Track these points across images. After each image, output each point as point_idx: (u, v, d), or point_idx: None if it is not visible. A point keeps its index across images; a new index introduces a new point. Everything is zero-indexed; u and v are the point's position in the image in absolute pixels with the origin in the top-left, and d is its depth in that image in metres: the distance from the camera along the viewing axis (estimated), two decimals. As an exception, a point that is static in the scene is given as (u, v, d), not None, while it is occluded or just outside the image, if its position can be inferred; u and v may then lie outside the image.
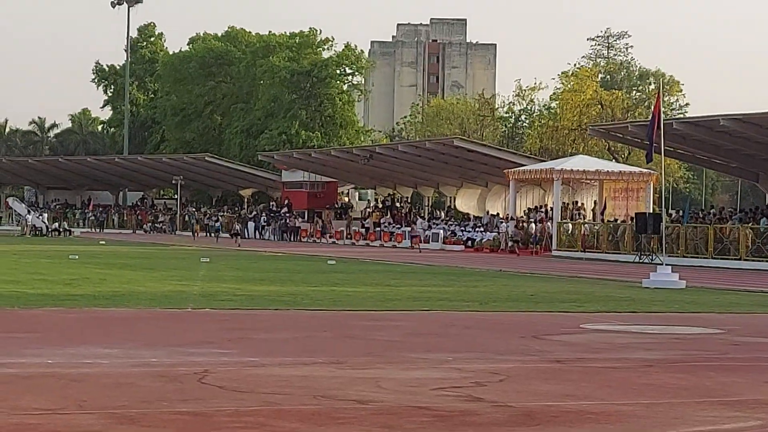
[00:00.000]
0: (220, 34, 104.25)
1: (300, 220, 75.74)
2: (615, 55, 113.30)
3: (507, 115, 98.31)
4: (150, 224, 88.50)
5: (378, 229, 68.90)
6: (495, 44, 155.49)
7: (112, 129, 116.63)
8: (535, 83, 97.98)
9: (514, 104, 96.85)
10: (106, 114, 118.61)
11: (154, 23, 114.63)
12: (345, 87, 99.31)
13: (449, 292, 26.33)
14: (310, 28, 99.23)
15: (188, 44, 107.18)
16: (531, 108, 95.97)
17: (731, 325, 18.96)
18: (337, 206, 78.31)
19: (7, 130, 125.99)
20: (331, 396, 10.30)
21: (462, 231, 63.27)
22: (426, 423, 9.17)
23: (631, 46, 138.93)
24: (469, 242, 60.64)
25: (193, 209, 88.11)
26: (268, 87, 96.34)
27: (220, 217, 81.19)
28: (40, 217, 76.78)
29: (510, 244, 56.08)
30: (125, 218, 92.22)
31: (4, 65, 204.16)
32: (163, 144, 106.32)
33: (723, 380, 12.14)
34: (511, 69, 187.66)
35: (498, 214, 63.25)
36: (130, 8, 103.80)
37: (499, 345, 15.28)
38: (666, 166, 54.90)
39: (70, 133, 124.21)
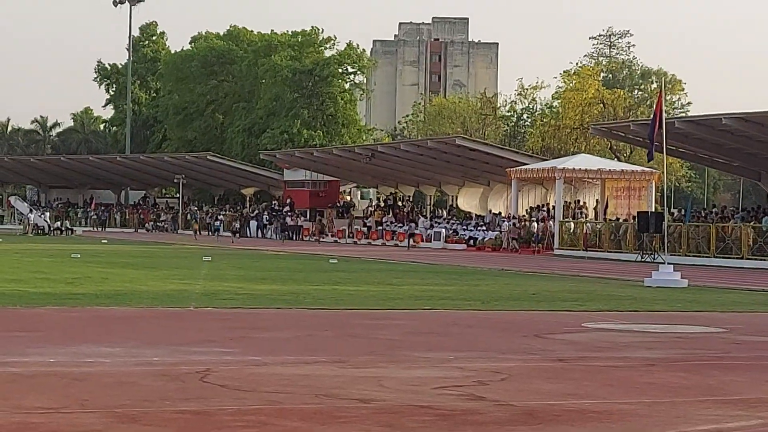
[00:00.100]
0: (222, 33, 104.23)
1: (303, 218, 75.76)
2: (617, 53, 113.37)
3: (509, 114, 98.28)
4: (152, 223, 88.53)
5: (380, 228, 68.93)
6: (497, 43, 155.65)
7: (114, 128, 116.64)
8: (537, 82, 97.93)
9: (516, 103, 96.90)
10: (108, 113, 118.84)
11: (156, 22, 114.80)
12: (347, 86, 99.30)
13: (451, 291, 26.33)
14: (312, 27, 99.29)
15: (190, 43, 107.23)
16: (533, 107, 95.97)
17: (733, 324, 18.95)
18: (339, 205, 78.33)
19: (10, 129, 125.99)
20: (333, 395, 10.30)
21: (464, 230, 63.30)
22: (428, 422, 9.17)
23: (633, 45, 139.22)
24: (471, 241, 60.67)
25: (195, 208, 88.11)
26: (270, 86, 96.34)
27: (222, 216, 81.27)
28: (43, 216, 76.81)
29: (511, 242, 56.11)
30: (127, 217, 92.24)
31: (6, 64, 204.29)
32: (165, 143, 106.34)
33: (725, 379, 12.13)
34: (513, 68, 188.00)
35: (500, 213, 63.26)
36: (132, 7, 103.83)
37: (501, 344, 15.28)
38: (668, 165, 54.93)
39: (73, 132, 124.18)
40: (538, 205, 61.24)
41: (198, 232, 75.76)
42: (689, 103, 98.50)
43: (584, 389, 11.19)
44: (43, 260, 37.04)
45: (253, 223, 78.99)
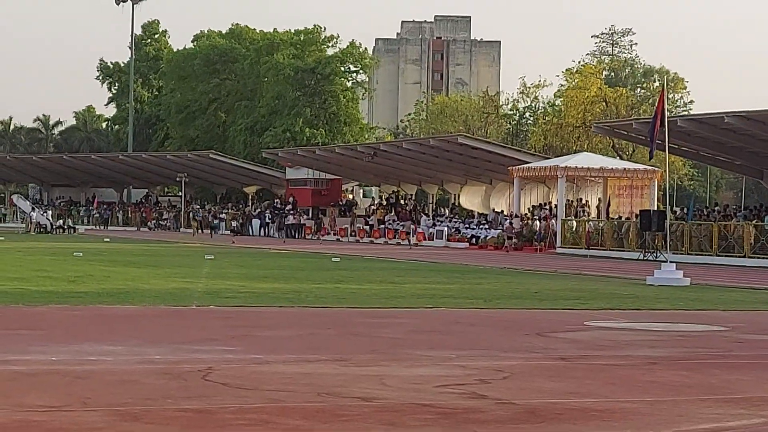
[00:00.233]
0: (224, 32, 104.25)
1: (305, 217, 75.78)
2: (619, 52, 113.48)
3: (511, 112, 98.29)
4: (154, 221, 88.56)
5: (382, 226, 68.95)
6: (499, 41, 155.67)
7: (117, 126, 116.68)
8: (540, 80, 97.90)
9: (518, 101, 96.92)
10: (111, 111, 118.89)
11: (158, 20, 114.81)
12: (349, 84, 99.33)
13: (453, 289, 26.33)
14: (315, 26, 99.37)
15: (192, 41, 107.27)
16: (535, 105, 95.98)
17: (735, 323, 18.94)
18: (341, 203, 78.35)
19: (12, 127, 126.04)
20: (335, 393, 10.30)
21: (466, 228, 63.30)
22: (430, 420, 9.16)
23: (636, 44, 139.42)
24: (474, 239, 60.66)
25: (198, 206, 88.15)
26: (273, 84, 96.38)
27: (223, 215, 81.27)
28: (45, 214, 76.82)
29: (515, 241, 56.09)
30: (129, 215, 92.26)
31: (8, 62, 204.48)
32: (168, 141, 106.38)
33: (727, 377, 12.13)
34: (516, 66, 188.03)
35: (503, 211, 63.26)
36: (135, 5, 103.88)
37: (503, 342, 15.28)
38: (670, 164, 54.94)
39: (75, 130, 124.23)
40: (540, 204, 61.22)
41: (197, 231, 75.82)
42: (691, 102, 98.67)
43: (586, 388, 11.18)
44: (46, 258, 37.06)
45: (256, 222, 79.02)
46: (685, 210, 53.67)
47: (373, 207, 76.43)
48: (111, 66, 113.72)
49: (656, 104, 36.89)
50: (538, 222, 57.34)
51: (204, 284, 25.55)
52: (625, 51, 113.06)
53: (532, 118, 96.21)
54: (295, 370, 11.91)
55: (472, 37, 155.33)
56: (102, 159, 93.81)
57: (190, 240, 64.05)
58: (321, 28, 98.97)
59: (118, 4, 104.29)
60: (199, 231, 76.82)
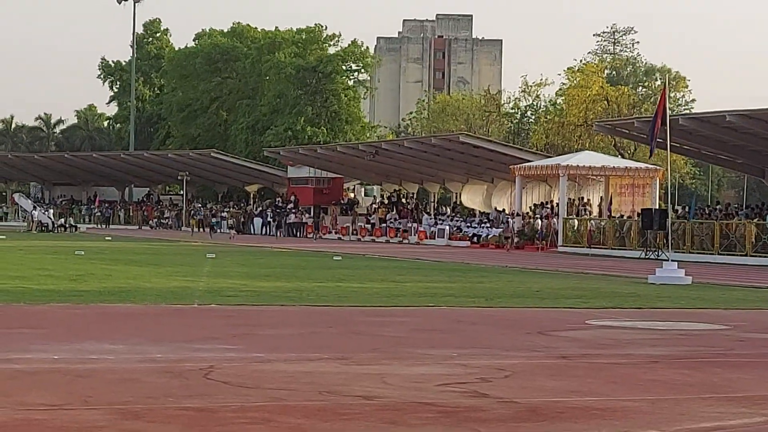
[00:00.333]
0: (225, 30, 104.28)
1: (307, 215, 75.80)
2: (621, 50, 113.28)
3: (513, 111, 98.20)
4: (156, 220, 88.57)
5: (384, 225, 68.95)
6: (501, 40, 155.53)
7: (118, 125, 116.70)
8: (541, 79, 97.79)
9: (519, 100, 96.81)
10: (112, 110, 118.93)
11: (159, 19, 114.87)
12: (351, 83, 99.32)
13: (455, 288, 26.32)
14: (316, 24, 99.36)
15: (194, 40, 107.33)
16: (537, 104, 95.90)
17: (737, 321, 18.92)
18: (342, 202, 78.36)
19: (13, 126, 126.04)
20: (336, 392, 10.30)
21: (468, 227, 63.30)
22: (431, 419, 9.16)
23: (637, 42, 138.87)
24: (475, 238, 60.65)
25: (199, 205, 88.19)
26: (274, 83, 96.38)
27: (224, 213, 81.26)
28: (46, 213, 76.82)
29: (516, 240, 56.10)
30: (131, 214, 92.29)
31: (10, 61, 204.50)
32: (169, 140, 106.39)
33: (729, 376, 12.12)
34: (517, 65, 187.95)
35: (504, 210, 63.26)
36: (136, 4, 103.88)
37: (504, 341, 15.27)
38: (672, 162, 54.86)
39: (76, 129, 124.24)
40: (541, 202, 61.22)
41: (195, 229, 75.81)
42: (693, 100, 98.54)
43: (588, 386, 11.18)
44: (47, 257, 37.06)
45: (258, 220, 79.05)
46: (687, 208, 53.66)
47: (374, 206, 76.44)
48: (112, 65, 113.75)
49: (657, 103, 36.87)
50: (539, 221, 57.33)
51: (205, 283, 25.55)
52: (627, 50, 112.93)
53: (533, 117, 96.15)
54: (297, 368, 11.91)
55: (474, 36, 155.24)
56: (103, 158, 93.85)
57: (191, 239, 64.07)
58: (322, 26, 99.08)
59: (119, 3, 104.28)
60: (199, 230, 76.81)
